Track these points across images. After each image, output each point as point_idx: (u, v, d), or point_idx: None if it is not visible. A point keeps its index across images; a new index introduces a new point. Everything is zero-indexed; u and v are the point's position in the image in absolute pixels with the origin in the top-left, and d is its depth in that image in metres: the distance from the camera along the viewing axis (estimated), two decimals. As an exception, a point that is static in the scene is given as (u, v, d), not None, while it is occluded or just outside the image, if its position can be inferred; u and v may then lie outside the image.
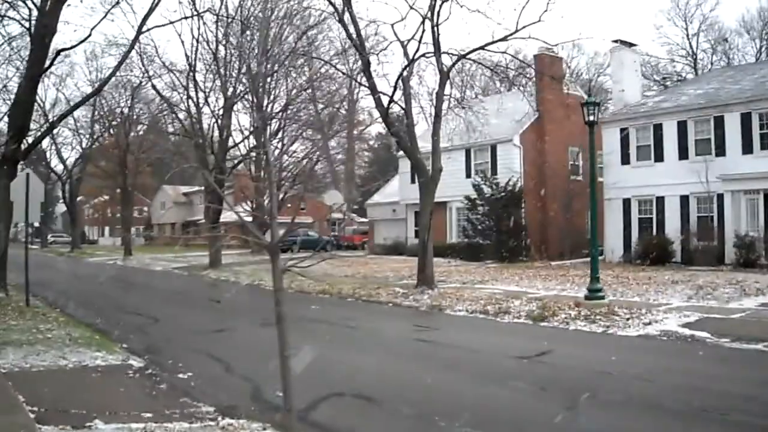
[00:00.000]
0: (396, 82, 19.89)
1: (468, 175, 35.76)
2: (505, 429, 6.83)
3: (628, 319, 13.44)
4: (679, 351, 10.95)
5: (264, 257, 42.30)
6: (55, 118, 23.61)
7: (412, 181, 39.26)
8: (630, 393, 7.92)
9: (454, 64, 20.86)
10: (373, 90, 20.55)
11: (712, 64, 54.81)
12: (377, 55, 20.53)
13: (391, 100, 20.32)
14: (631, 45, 32.47)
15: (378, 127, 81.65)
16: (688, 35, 56.75)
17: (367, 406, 7.75)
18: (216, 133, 32.84)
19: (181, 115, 32.98)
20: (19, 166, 18.05)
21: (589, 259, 30.59)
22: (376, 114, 67.40)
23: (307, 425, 6.60)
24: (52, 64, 18.08)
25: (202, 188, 71.03)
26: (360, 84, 23.34)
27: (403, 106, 20.43)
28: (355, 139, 75.70)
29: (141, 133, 45.71)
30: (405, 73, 19.80)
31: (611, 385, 8.46)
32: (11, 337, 10.92)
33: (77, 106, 19.75)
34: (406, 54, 19.98)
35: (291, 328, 13.36)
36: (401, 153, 44.94)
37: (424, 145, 39.24)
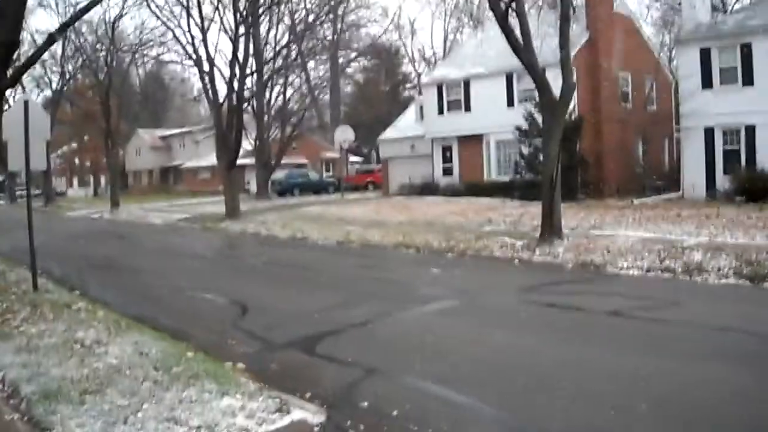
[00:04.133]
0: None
1: (510, 104, 31.28)
2: None
3: None
4: None
5: (276, 203, 37.59)
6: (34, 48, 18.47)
7: (440, 112, 34.68)
8: None
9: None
10: None
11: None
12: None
13: (509, 6, 15.95)
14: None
15: (363, 62, 76.59)
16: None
17: None
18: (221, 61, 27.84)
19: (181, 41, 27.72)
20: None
21: (672, 195, 27.33)
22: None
23: None
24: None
25: (184, 130, 65.56)
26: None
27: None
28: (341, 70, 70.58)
29: (125, 67, 39.92)
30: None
31: None
32: (50, 370, 5.95)
33: (86, 10, 14.58)
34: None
35: (451, 308, 8.05)
36: (425, 80, 40.25)
37: (452, 71, 34.91)
